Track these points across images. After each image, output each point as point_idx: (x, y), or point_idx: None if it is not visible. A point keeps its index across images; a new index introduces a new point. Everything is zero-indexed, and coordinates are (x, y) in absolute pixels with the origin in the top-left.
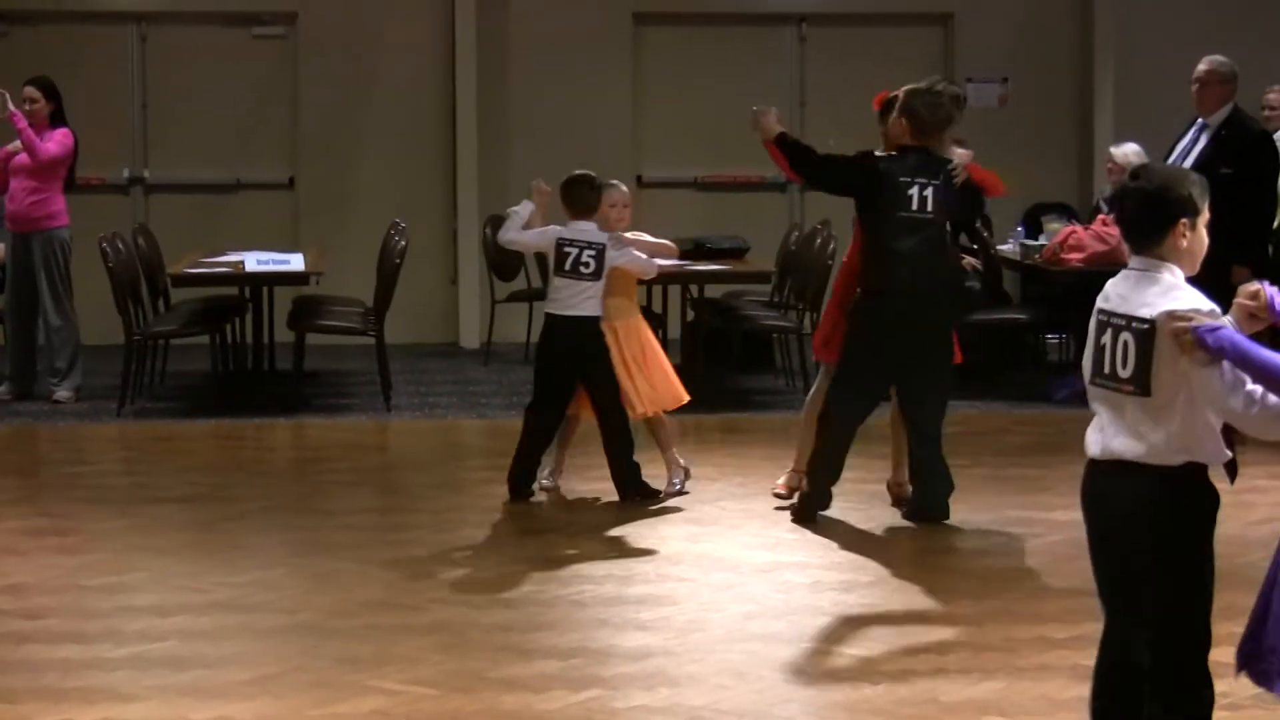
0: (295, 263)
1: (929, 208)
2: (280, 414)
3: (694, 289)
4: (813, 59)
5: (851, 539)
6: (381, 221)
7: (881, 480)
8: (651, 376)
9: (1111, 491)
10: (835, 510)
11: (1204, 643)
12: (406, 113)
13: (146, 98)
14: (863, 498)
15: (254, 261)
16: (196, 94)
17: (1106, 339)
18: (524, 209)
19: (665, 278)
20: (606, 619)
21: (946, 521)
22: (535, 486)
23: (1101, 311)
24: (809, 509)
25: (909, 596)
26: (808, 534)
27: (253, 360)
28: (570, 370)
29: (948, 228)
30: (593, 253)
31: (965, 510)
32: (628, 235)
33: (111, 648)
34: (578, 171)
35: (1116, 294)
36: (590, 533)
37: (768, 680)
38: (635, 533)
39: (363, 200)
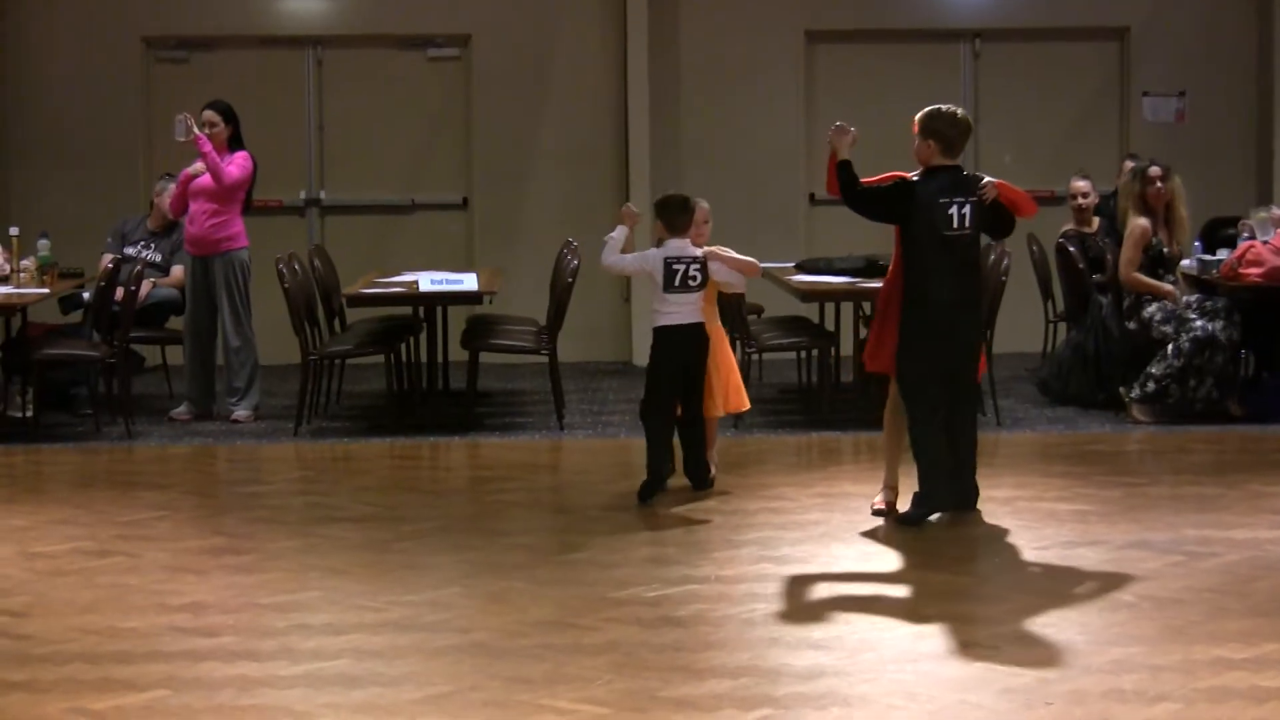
0: (469, 282)
1: (967, 224)
2: (454, 433)
3: (866, 306)
4: (987, 75)
5: (1026, 557)
6: (554, 241)
7: (1061, 499)
8: (727, 382)
9: None
10: (1010, 529)
11: None
12: (579, 132)
13: (323, 120)
14: (1037, 516)
15: (428, 281)
16: (372, 116)
17: None
18: (619, 234)
19: (836, 295)
20: (778, 638)
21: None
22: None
23: None
24: (921, 514)
25: (1084, 615)
26: (980, 552)
27: (427, 380)
28: (682, 374)
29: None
30: (697, 266)
31: (1141, 529)
32: (717, 251)
33: (286, 665)
34: (673, 193)
35: None
36: (762, 551)
37: (940, 700)
38: (807, 551)
39: (536, 220)
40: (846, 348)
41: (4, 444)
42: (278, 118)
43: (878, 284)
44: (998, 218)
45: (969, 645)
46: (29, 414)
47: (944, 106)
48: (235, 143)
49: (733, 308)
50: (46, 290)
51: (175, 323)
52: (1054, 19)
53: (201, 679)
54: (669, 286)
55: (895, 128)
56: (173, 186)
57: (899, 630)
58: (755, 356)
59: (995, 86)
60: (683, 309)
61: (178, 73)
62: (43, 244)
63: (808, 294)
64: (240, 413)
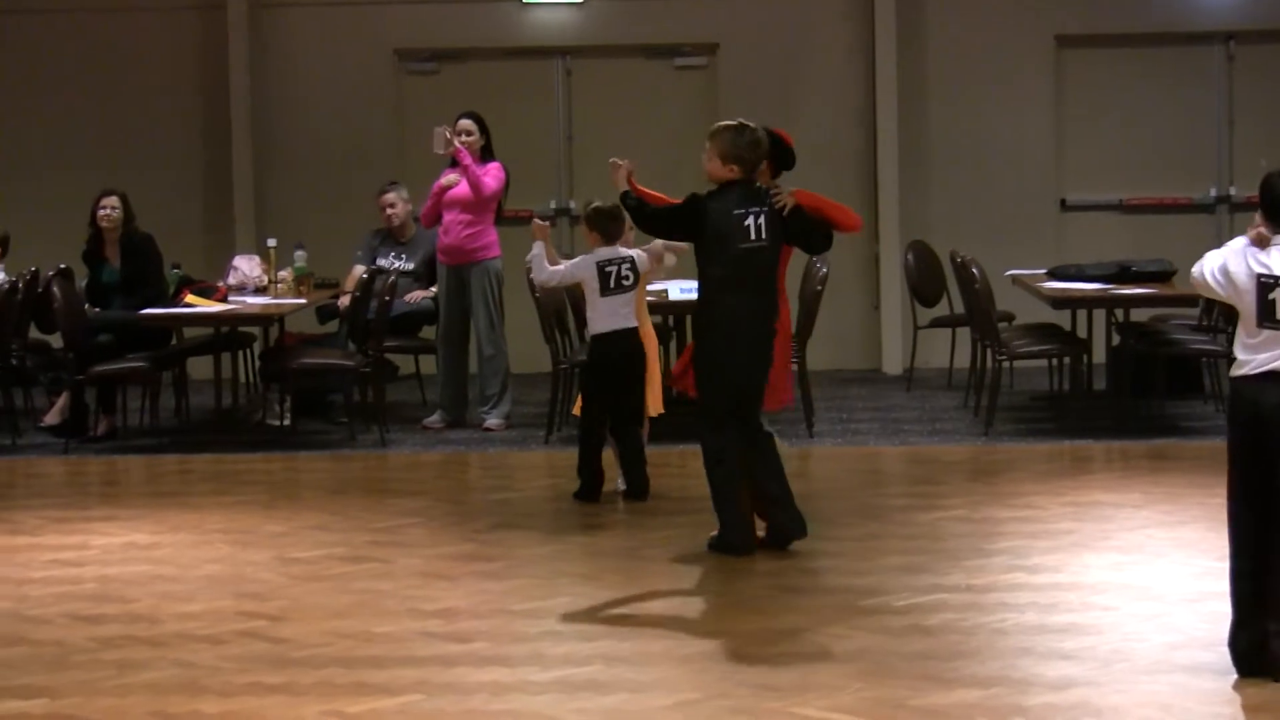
0: None
1: (763, 235)
2: None
3: (1119, 313)
4: (1241, 78)
5: None
6: None
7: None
8: (654, 383)
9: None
10: None
11: None
12: (827, 138)
13: (572, 130)
14: None
15: (678, 290)
16: (620, 126)
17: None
18: (539, 249)
19: (1088, 302)
20: (1029, 648)
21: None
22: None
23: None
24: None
25: None
26: None
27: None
28: (619, 383)
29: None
30: (628, 265)
31: None
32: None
33: (537, 671)
34: (605, 205)
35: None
36: (1012, 560)
37: (1194, 713)
38: (1057, 561)
39: None
40: (1098, 355)
41: (262, 451)
42: (527, 128)
43: (1130, 290)
44: (807, 230)
45: (1224, 658)
46: (286, 422)
47: (732, 122)
48: (486, 153)
49: (983, 313)
50: (303, 300)
51: (427, 332)
52: None
53: (454, 684)
54: (605, 289)
55: (1147, 132)
56: (394, 194)
57: (1151, 641)
58: (1005, 364)
59: (1250, 89)
60: (617, 315)
61: (428, 84)
62: (299, 255)
63: (1059, 301)
64: (492, 421)
